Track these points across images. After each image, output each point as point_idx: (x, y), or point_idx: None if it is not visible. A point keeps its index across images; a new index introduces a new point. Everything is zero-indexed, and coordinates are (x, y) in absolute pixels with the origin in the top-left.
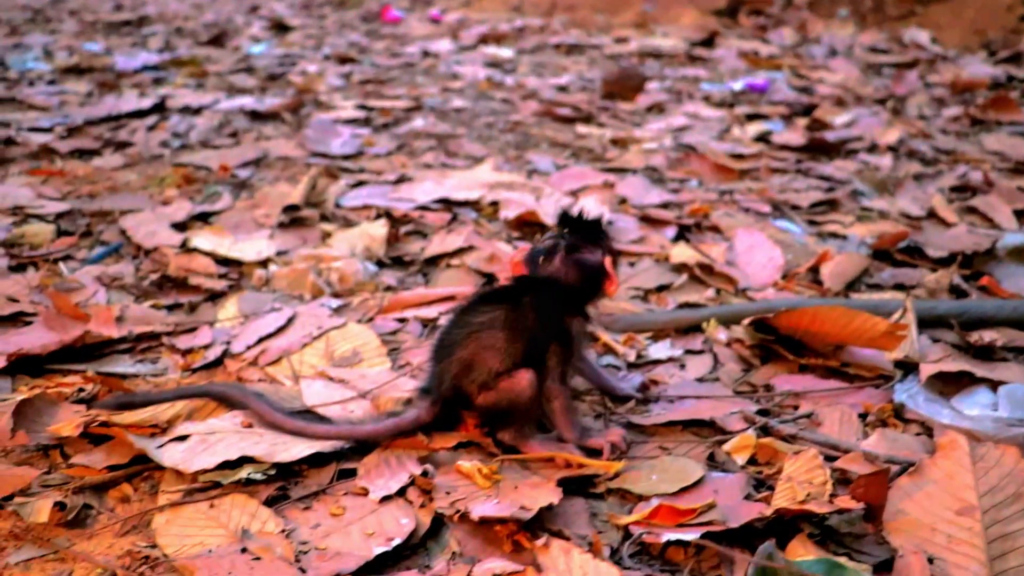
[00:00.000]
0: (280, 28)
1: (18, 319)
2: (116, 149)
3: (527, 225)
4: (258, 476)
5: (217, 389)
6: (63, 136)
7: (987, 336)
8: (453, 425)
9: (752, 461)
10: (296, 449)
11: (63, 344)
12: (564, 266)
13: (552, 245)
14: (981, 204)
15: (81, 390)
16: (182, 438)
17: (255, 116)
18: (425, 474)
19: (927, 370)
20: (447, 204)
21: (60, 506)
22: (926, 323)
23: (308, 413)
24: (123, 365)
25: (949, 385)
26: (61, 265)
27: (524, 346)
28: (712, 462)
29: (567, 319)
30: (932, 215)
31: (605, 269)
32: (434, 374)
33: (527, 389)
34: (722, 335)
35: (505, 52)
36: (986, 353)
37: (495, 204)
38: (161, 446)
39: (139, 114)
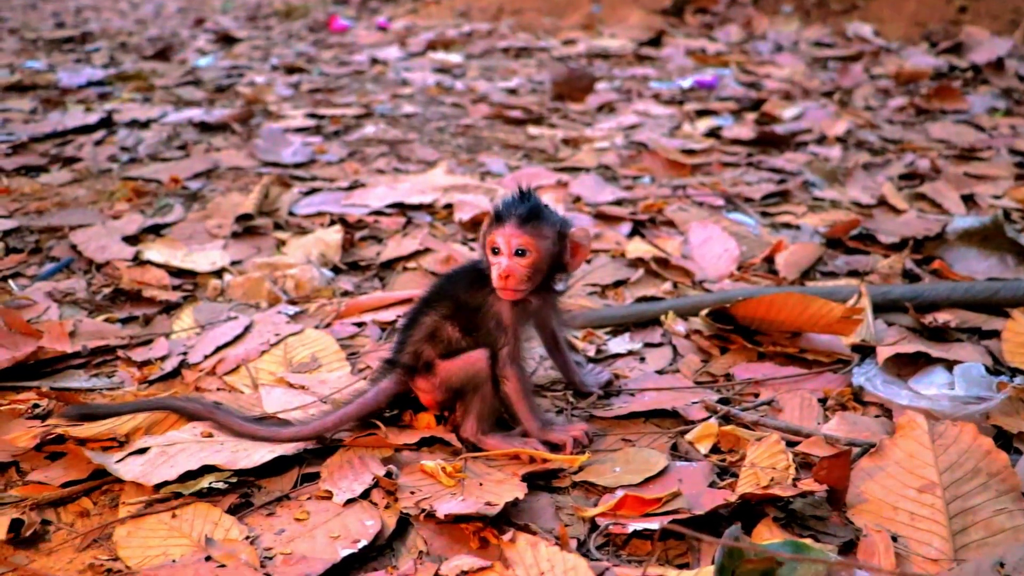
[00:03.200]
0: (226, 40)
1: None
2: (63, 165)
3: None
4: (220, 485)
5: (178, 403)
6: (8, 153)
7: (941, 318)
8: (416, 404)
9: (715, 449)
10: (258, 455)
11: (16, 361)
12: None
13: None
14: (929, 191)
15: (36, 406)
16: (141, 451)
17: (204, 128)
18: (389, 475)
19: (884, 353)
20: (401, 208)
21: (17, 523)
22: (881, 307)
23: (274, 418)
24: (78, 380)
25: (906, 367)
26: (11, 282)
27: (468, 322)
28: (675, 452)
29: (486, 296)
30: (882, 203)
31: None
32: (399, 343)
33: (486, 368)
34: (680, 327)
35: (453, 57)
36: (940, 334)
37: (449, 207)
38: (120, 460)
39: (86, 129)
